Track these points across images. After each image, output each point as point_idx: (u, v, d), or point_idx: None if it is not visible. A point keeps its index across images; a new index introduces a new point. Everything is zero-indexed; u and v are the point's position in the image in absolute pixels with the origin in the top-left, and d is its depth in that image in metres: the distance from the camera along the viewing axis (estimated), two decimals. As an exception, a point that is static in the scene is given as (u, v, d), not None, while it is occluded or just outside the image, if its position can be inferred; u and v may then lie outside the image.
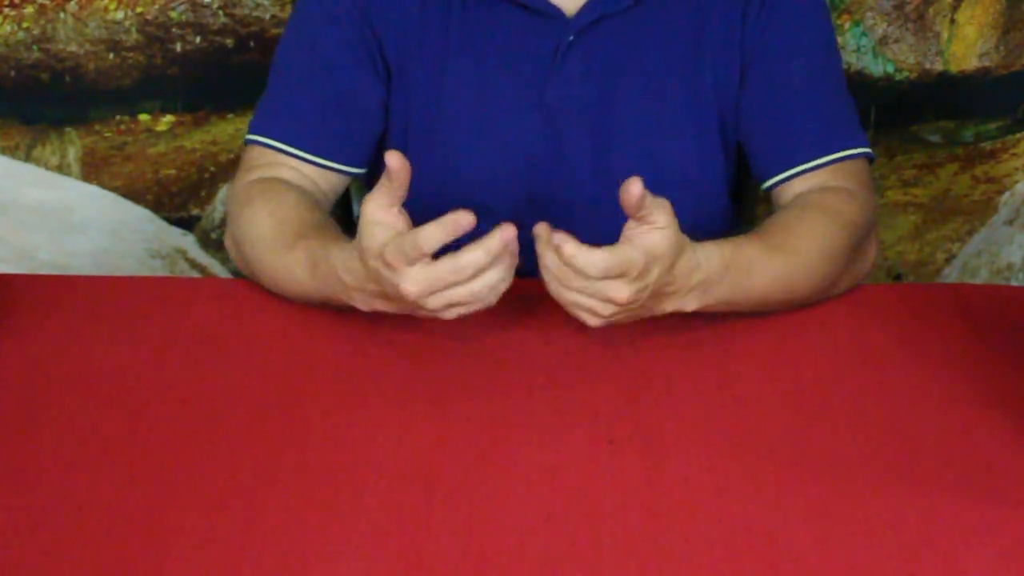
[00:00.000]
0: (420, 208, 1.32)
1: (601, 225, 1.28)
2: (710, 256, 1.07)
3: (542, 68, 1.25)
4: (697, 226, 1.31)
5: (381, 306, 1.06)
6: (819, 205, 1.21)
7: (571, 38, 1.24)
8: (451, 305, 1.00)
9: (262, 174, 1.26)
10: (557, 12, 1.24)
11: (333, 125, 1.27)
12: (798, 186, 1.25)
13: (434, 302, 1.00)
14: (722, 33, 1.26)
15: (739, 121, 1.28)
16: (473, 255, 0.98)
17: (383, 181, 0.99)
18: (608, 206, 1.27)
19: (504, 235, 0.98)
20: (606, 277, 1.00)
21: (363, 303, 1.07)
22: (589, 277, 1.00)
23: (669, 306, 1.06)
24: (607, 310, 1.01)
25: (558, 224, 1.26)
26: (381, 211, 1.00)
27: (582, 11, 1.24)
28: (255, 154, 1.27)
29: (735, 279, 1.09)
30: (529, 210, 1.27)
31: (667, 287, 1.04)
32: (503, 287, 1.01)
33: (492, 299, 1.01)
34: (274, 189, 1.23)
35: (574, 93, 1.25)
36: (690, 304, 1.07)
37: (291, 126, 1.27)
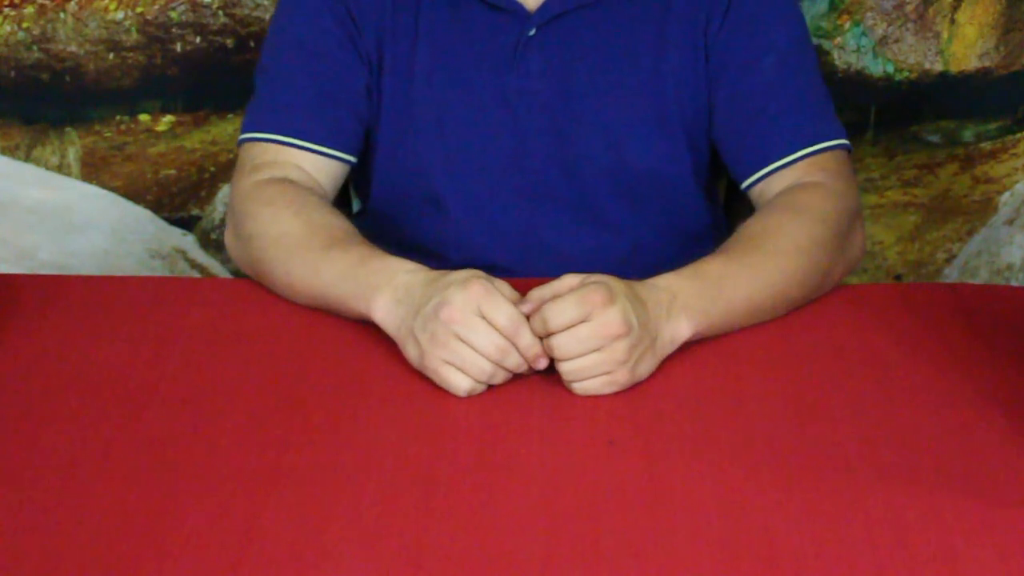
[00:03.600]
0: (389, 196, 1.34)
1: (564, 217, 1.29)
2: (667, 280, 1.08)
3: (504, 62, 1.26)
4: (671, 222, 1.32)
5: (405, 333, 1.06)
6: (789, 205, 1.21)
7: (532, 32, 1.25)
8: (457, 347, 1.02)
9: (271, 173, 1.26)
10: (518, 7, 1.26)
11: (327, 112, 1.28)
12: (775, 184, 1.25)
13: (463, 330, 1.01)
14: (686, 31, 1.27)
15: (712, 125, 1.29)
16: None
17: None
18: (572, 199, 1.28)
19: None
20: (559, 296, 1.02)
21: (384, 312, 1.08)
22: (560, 308, 1.01)
23: (666, 334, 1.06)
24: (617, 354, 1.01)
25: (522, 217, 1.28)
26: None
27: (543, 6, 1.25)
28: (255, 152, 1.28)
29: (710, 293, 1.09)
30: (492, 203, 1.29)
31: (648, 318, 1.04)
32: (498, 378, 1.03)
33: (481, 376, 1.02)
34: (295, 191, 1.24)
35: (535, 87, 1.26)
36: (681, 329, 1.07)
37: (287, 118, 1.27)
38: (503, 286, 1.03)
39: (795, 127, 1.25)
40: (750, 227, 1.19)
